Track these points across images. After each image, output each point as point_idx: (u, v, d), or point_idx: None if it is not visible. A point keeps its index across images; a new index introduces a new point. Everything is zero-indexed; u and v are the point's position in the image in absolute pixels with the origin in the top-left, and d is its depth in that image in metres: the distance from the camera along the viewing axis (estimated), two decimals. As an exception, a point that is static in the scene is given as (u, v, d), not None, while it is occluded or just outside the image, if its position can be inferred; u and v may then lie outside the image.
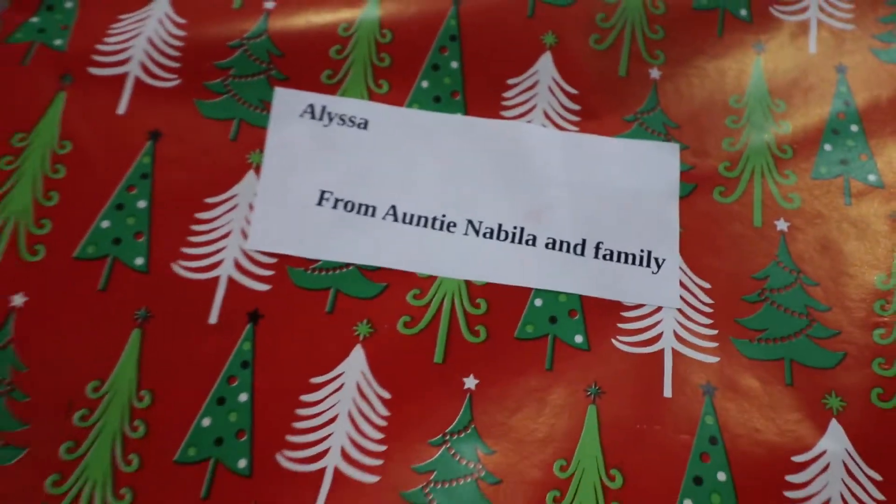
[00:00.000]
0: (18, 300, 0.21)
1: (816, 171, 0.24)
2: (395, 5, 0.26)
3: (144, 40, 0.25)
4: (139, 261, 0.22)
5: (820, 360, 0.21)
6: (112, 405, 0.21)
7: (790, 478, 0.20)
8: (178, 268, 0.22)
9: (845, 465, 0.20)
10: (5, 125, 0.23)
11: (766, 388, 0.21)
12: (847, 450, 0.20)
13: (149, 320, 0.22)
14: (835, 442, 0.20)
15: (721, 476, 0.20)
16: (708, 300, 0.23)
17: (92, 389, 0.21)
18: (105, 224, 0.23)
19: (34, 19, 0.25)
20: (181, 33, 0.25)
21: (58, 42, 0.25)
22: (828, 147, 0.25)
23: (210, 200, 0.23)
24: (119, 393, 0.21)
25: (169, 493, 0.20)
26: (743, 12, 0.27)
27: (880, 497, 0.20)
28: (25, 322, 0.21)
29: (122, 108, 0.24)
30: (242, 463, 0.20)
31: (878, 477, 0.20)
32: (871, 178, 0.24)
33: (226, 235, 0.23)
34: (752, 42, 0.26)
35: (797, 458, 0.20)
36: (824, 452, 0.20)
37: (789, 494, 0.20)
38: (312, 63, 0.25)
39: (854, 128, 0.25)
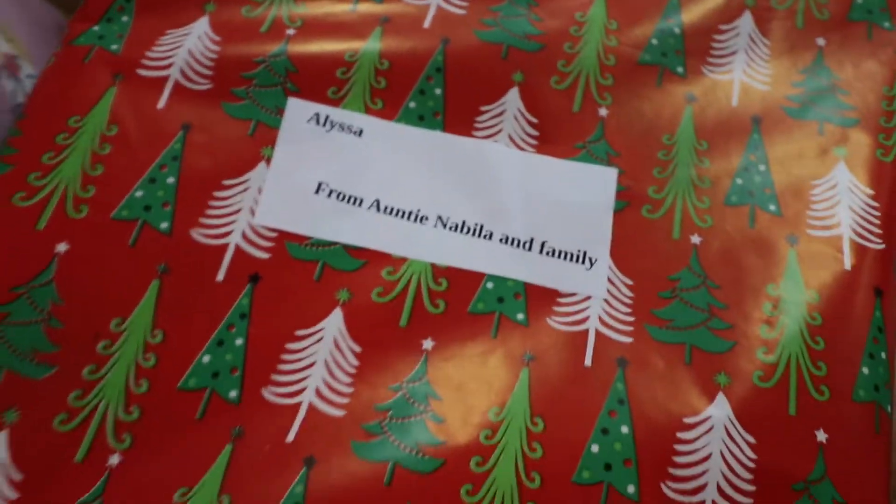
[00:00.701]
0: (62, 247, 0.26)
1: (728, 199, 0.30)
2: (394, 41, 0.32)
3: (185, 51, 0.30)
4: (164, 225, 0.27)
5: (715, 346, 0.26)
6: (130, 339, 0.25)
7: (680, 434, 0.24)
8: (196, 234, 0.27)
9: (726, 428, 0.25)
10: (65, 109, 0.28)
11: (669, 365, 0.26)
12: (729, 416, 0.25)
13: (167, 274, 0.26)
14: (720, 410, 0.25)
15: (624, 429, 0.24)
16: (629, 294, 0.27)
17: (115, 325, 0.25)
18: (139, 193, 0.27)
19: (96, 28, 0.31)
20: (216, 48, 0.30)
21: (114, 47, 0.30)
22: (739, 181, 0.30)
23: (227, 182, 0.28)
24: (137, 329, 0.25)
25: (170, 413, 0.24)
26: (679, 69, 0.33)
27: (752, 455, 0.24)
28: (66, 265, 0.26)
29: (161, 104, 0.29)
30: (233, 394, 0.25)
31: (752, 440, 0.24)
32: (772, 207, 0.30)
33: (237, 211, 0.28)
34: (685, 93, 0.32)
35: (687, 420, 0.25)
36: (710, 417, 0.25)
37: (679, 447, 0.24)
38: (321, 80, 0.30)
39: (762, 167, 0.30)
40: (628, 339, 0.26)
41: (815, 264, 0.28)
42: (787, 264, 0.28)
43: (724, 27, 0.34)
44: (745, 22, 0.34)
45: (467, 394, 0.25)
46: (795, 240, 0.29)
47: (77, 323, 0.25)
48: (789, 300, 0.27)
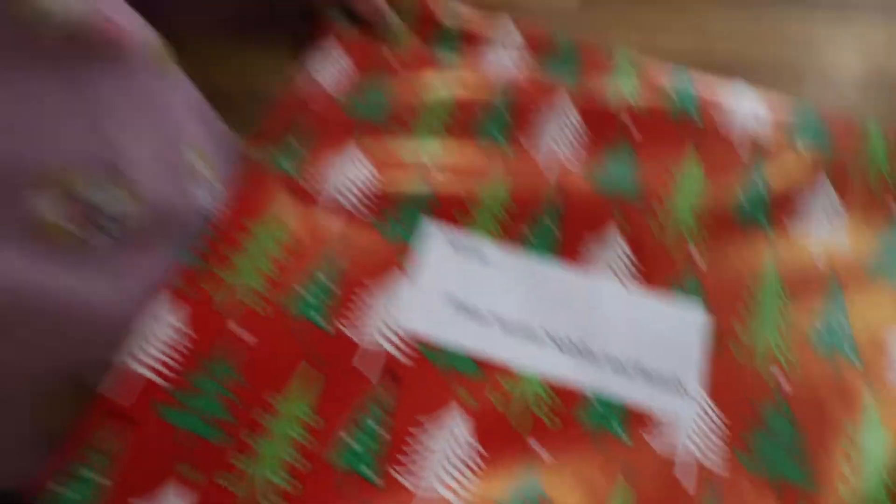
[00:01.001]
0: (246, 336, 0.31)
1: (811, 345, 0.33)
2: (517, 181, 0.37)
3: (343, 174, 0.37)
4: (320, 320, 0.32)
5: (801, 479, 0.29)
6: (286, 414, 0.29)
7: (771, 560, 0.27)
8: (345, 330, 0.32)
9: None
10: (245, 215, 0.35)
11: (758, 493, 0.28)
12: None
13: (321, 362, 0.31)
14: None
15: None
16: (719, 421, 0.30)
17: (276, 400, 0.30)
18: (302, 291, 0.33)
19: (270, 148, 0.38)
20: (367, 173, 0.37)
21: (285, 165, 0.37)
22: (821, 329, 0.33)
23: (372, 287, 0.33)
24: (292, 407, 0.30)
25: (315, 482, 0.28)
26: (765, 224, 0.37)
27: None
28: (241, 346, 0.31)
29: (322, 217, 0.35)
30: (369, 472, 0.28)
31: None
32: (852, 357, 0.33)
33: (376, 311, 0.33)
34: (770, 247, 0.36)
35: (777, 548, 0.27)
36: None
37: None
38: (454, 208, 0.36)
39: (842, 319, 0.34)
40: (719, 465, 0.29)
41: (894, 411, 0.31)
42: (865, 408, 0.31)
43: (803, 187, 0.38)
44: (823, 183, 0.38)
45: (573, 497, 0.28)
46: (874, 388, 0.32)
47: (247, 397, 0.30)
48: (869, 441, 0.30)
